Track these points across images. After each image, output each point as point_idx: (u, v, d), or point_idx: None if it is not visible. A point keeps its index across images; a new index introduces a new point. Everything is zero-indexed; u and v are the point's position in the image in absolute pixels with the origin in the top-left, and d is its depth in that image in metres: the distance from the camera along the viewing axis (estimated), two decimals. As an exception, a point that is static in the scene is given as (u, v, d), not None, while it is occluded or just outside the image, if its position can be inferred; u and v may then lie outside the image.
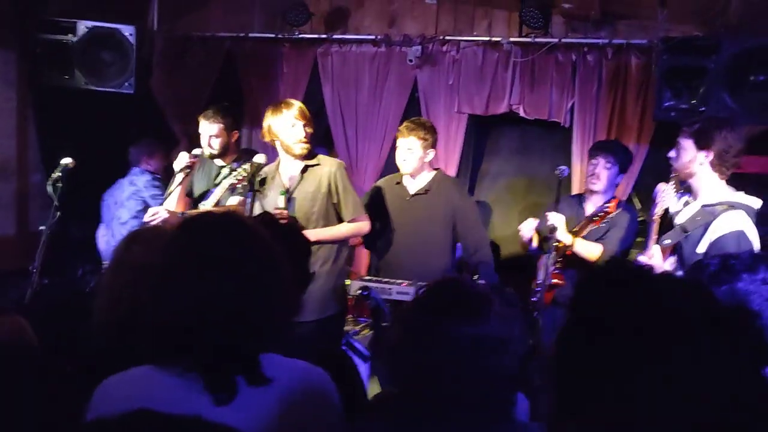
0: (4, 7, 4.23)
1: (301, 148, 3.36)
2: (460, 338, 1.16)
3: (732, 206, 2.71)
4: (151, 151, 4.66)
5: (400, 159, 3.72)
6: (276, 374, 1.24)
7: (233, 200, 3.57)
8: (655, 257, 2.83)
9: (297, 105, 3.41)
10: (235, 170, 3.38)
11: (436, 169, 3.85)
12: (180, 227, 1.32)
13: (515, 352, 1.19)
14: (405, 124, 3.78)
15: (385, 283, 3.47)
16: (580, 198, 3.83)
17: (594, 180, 3.63)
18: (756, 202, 2.75)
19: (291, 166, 3.44)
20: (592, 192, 3.69)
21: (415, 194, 3.74)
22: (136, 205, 4.50)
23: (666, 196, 2.89)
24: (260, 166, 3.30)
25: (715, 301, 0.76)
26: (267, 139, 3.45)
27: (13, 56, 4.43)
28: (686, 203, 2.86)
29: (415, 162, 3.68)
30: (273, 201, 3.37)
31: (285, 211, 3.23)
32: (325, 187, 3.40)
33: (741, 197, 2.76)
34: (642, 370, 0.71)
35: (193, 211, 3.65)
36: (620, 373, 0.72)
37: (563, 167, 3.59)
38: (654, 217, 2.90)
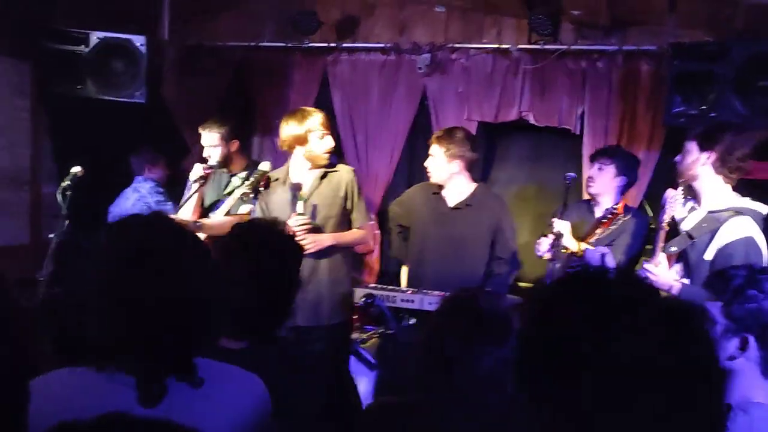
0: (17, 19, 4.30)
1: (327, 157, 3.38)
2: (484, 363, 1.16)
3: (738, 212, 2.68)
4: (154, 160, 4.70)
5: (427, 165, 3.68)
6: (208, 378, 1.23)
7: (244, 209, 3.60)
8: (662, 265, 2.80)
9: (322, 114, 3.41)
10: (248, 180, 3.38)
11: (477, 182, 3.76)
12: (114, 231, 1.32)
13: None
14: (436, 133, 3.76)
15: (390, 290, 3.46)
16: (589, 204, 3.79)
17: (590, 183, 3.63)
18: (763, 208, 2.71)
19: (307, 172, 3.41)
20: (595, 196, 3.66)
21: (455, 207, 3.64)
22: (141, 212, 4.54)
23: (674, 202, 2.85)
24: (265, 174, 3.32)
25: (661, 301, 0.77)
26: (285, 147, 3.41)
27: (27, 67, 4.50)
28: (692, 209, 2.83)
29: (437, 171, 3.60)
30: (282, 203, 3.35)
31: (305, 217, 3.24)
32: (343, 192, 3.41)
33: (747, 203, 2.72)
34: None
35: (206, 220, 3.68)
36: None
37: (570, 173, 3.59)
38: (662, 224, 2.86)
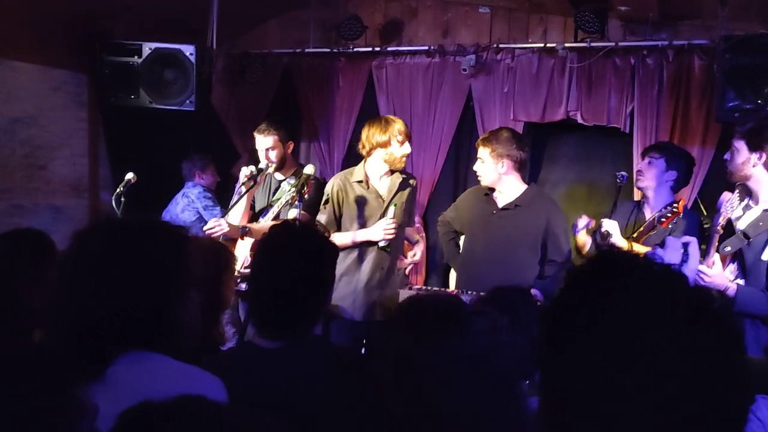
0: (74, 33, 4.48)
1: (404, 162, 3.58)
2: (440, 358, 1.15)
3: None
4: (204, 166, 4.83)
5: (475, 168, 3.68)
6: (162, 378, 1.27)
7: (292, 213, 3.64)
8: (716, 266, 2.71)
9: (401, 122, 3.58)
10: (295, 186, 3.45)
11: (529, 183, 3.73)
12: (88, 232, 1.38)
13: (508, 357, 1.18)
14: (482, 135, 3.74)
15: (435, 291, 3.46)
16: (639, 204, 3.70)
17: (639, 177, 3.53)
18: None
19: (385, 177, 3.58)
20: (644, 191, 3.56)
21: (504, 208, 3.60)
22: (190, 216, 4.66)
23: (730, 205, 2.76)
24: (309, 177, 3.37)
25: (690, 290, 0.75)
26: (365, 151, 3.56)
27: (84, 79, 4.69)
28: (747, 207, 2.74)
29: (486, 173, 3.57)
30: (364, 204, 3.53)
31: (394, 221, 3.44)
32: (406, 198, 3.61)
33: None
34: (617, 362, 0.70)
35: (254, 225, 3.74)
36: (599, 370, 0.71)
37: (622, 173, 3.51)
38: (717, 227, 2.78)
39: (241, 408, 0.79)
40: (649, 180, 3.50)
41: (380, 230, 3.42)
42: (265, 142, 3.83)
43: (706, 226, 3.74)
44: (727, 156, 2.77)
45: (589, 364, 0.71)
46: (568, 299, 0.77)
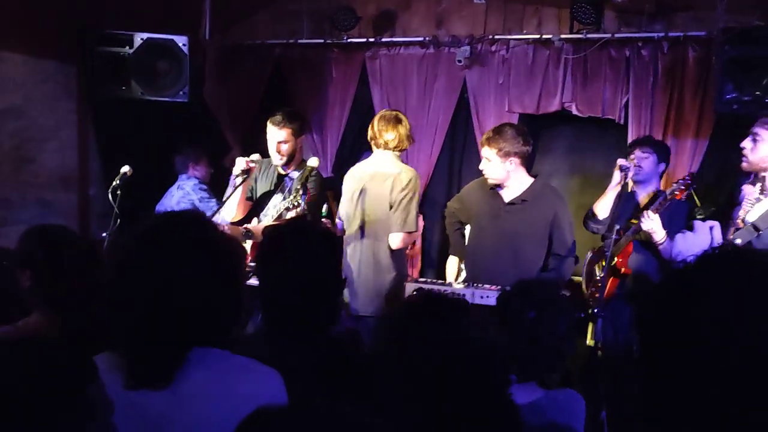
0: (64, 23, 4.38)
1: None
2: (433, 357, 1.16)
3: None
4: (197, 158, 4.74)
5: (482, 167, 3.66)
6: (224, 370, 1.27)
7: (291, 214, 3.58)
8: None
9: None
10: (300, 180, 3.39)
11: (534, 176, 3.72)
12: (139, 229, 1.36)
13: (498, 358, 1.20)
14: (485, 134, 3.72)
15: (440, 284, 3.45)
16: (632, 194, 3.80)
17: (636, 170, 3.62)
18: None
19: None
20: (640, 183, 3.71)
21: (511, 203, 3.59)
22: (186, 208, 4.59)
23: (752, 199, 2.80)
24: (313, 169, 3.33)
25: None
26: (400, 147, 3.65)
27: (74, 69, 4.58)
28: (756, 199, 2.76)
29: (494, 172, 3.56)
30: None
31: None
32: None
33: None
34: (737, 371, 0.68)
35: (255, 227, 3.65)
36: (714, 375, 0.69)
37: (627, 165, 3.58)
38: (737, 221, 2.81)
39: (349, 408, 0.78)
40: (646, 174, 3.69)
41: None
42: (278, 135, 3.69)
43: (699, 216, 3.79)
44: (746, 144, 2.77)
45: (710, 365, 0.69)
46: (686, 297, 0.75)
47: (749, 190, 2.77)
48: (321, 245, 1.79)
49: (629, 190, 3.97)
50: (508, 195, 3.61)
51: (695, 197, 4.45)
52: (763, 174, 2.73)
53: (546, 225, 3.52)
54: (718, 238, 2.37)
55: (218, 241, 1.34)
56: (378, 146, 3.59)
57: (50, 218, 4.52)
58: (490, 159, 3.53)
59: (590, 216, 3.81)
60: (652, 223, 3.34)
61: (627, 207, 3.77)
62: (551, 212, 3.52)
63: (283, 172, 3.81)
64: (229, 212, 3.74)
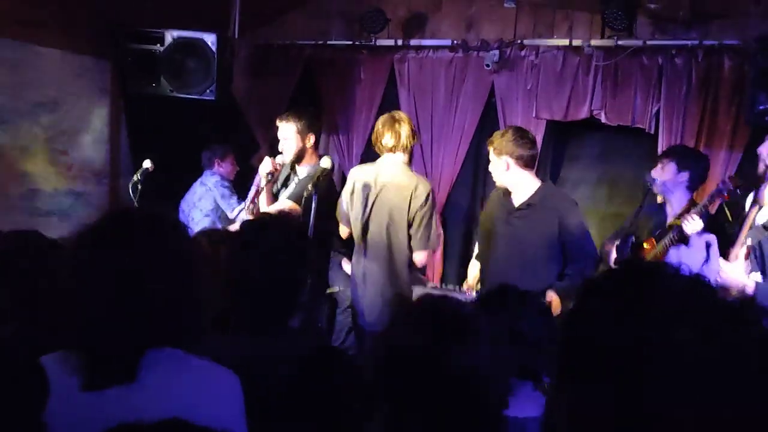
0: (99, 21, 4.50)
1: None
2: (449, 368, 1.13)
3: None
4: (224, 155, 4.81)
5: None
6: (181, 371, 1.25)
7: (286, 203, 3.57)
8: (739, 260, 2.67)
9: None
10: (312, 179, 3.37)
11: (543, 180, 3.65)
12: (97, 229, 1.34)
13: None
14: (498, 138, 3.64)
15: (447, 290, 3.42)
16: (661, 206, 3.67)
17: (653, 183, 3.53)
18: None
19: None
20: (663, 195, 3.59)
21: (518, 208, 3.54)
22: (208, 204, 4.66)
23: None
24: (326, 170, 3.32)
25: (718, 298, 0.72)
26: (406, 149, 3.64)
27: (107, 66, 4.71)
28: (754, 203, 2.73)
29: (494, 173, 3.54)
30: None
31: None
32: None
33: None
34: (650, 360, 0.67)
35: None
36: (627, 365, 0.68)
37: (653, 176, 3.47)
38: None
39: None
40: (663, 185, 3.53)
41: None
42: (282, 131, 3.69)
43: (730, 232, 3.66)
44: (762, 150, 2.71)
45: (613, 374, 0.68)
46: (588, 308, 0.74)
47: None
48: (282, 242, 1.76)
49: (658, 202, 3.87)
50: (517, 200, 3.56)
51: (727, 211, 4.32)
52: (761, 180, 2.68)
53: (552, 230, 3.42)
54: (714, 255, 2.29)
55: (178, 242, 1.33)
56: (380, 151, 3.57)
57: (80, 210, 4.66)
58: (490, 159, 3.54)
59: None
60: (695, 225, 3.20)
61: (653, 219, 3.66)
62: (555, 217, 3.43)
63: (297, 169, 3.76)
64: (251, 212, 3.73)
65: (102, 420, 1.20)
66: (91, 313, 1.24)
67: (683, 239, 3.23)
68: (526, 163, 3.48)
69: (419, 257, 3.53)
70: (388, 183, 3.51)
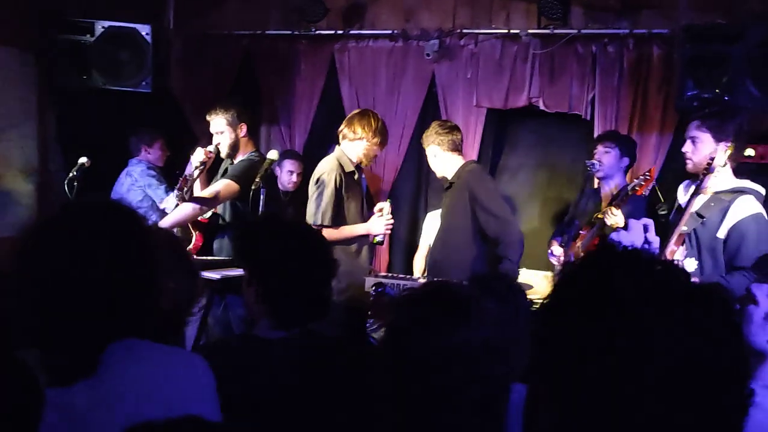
0: (22, 9, 4.28)
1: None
2: (444, 346, 1.12)
3: (742, 191, 2.79)
4: (152, 140, 4.62)
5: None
6: (147, 359, 1.25)
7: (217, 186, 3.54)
8: (680, 250, 2.80)
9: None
10: (260, 174, 3.32)
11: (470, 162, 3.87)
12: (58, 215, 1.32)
13: (508, 354, 1.16)
14: (425, 133, 3.82)
15: (399, 279, 3.45)
16: (596, 191, 3.84)
17: (597, 165, 3.68)
18: (761, 189, 2.84)
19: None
20: (603, 180, 3.77)
21: (446, 188, 3.77)
22: (137, 196, 4.49)
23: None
24: (273, 163, 3.29)
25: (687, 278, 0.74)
26: (351, 138, 3.68)
27: (32, 58, 4.48)
28: (696, 193, 2.88)
29: (433, 166, 3.73)
30: (359, 197, 3.66)
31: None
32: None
33: (748, 183, 2.84)
34: (619, 344, 0.69)
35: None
36: (598, 349, 0.69)
37: (592, 161, 3.63)
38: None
39: (233, 428, 0.76)
40: (609, 168, 3.71)
41: (381, 225, 3.56)
42: (213, 126, 3.67)
43: (662, 212, 3.84)
44: (687, 149, 2.88)
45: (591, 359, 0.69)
46: (566, 295, 0.75)
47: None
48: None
49: (594, 186, 4.01)
50: (447, 182, 3.78)
51: (658, 192, 4.51)
52: (705, 172, 2.85)
53: (467, 200, 3.59)
54: (652, 237, 2.40)
55: (132, 231, 1.30)
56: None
57: (9, 209, 4.44)
58: (436, 155, 3.74)
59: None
60: (616, 218, 3.37)
61: (591, 203, 3.82)
62: (469, 188, 3.60)
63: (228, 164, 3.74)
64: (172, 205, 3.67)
65: (70, 415, 1.16)
66: (47, 308, 1.21)
67: (609, 230, 3.41)
68: (450, 147, 3.68)
69: None
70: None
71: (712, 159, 2.74)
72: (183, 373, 1.29)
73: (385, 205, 3.63)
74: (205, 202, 3.44)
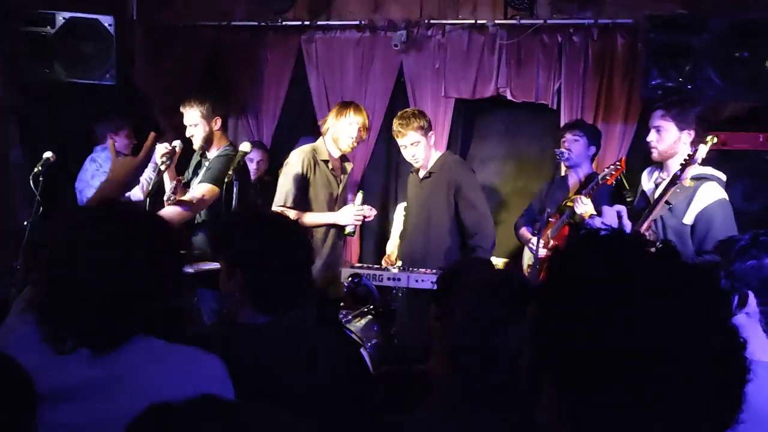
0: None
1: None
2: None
3: (706, 178, 2.86)
4: (117, 128, 4.51)
5: (409, 157, 3.73)
6: (163, 360, 1.29)
7: (201, 187, 3.49)
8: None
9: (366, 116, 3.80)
10: (232, 166, 3.29)
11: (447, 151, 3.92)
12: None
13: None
14: (397, 122, 3.72)
15: (376, 269, 3.47)
16: (563, 178, 3.90)
17: (567, 154, 3.72)
18: (722, 175, 2.92)
19: (335, 160, 3.72)
20: (572, 168, 3.84)
21: (424, 178, 3.75)
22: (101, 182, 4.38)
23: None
24: (245, 155, 3.27)
25: (681, 260, 0.77)
26: (328, 128, 3.72)
27: (-8, 50, 4.35)
28: (659, 179, 2.96)
29: (423, 155, 3.69)
30: (334, 190, 3.66)
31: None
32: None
33: (711, 170, 2.90)
34: (612, 323, 0.71)
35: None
36: (591, 332, 0.72)
37: (561, 150, 3.67)
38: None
39: (254, 405, 0.77)
40: (576, 157, 3.79)
41: (351, 215, 3.54)
42: (187, 117, 3.59)
43: (629, 199, 3.92)
44: (652, 138, 2.95)
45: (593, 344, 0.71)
46: (559, 281, 0.77)
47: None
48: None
49: (562, 174, 4.08)
50: (423, 171, 3.78)
51: (624, 181, 4.60)
52: (669, 160, 2.93)
53: (451, 190, 3.62)
54: (626, 223, 2.47)
55: (157, 227, 1.37)
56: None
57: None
58: (420, 141, 3.68)
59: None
60: (586, 207, 3.42)
61: (560, 191, 3.88)
62: (453, 178, 3.63)
63: (209, 155, 3.65)
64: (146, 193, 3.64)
65: (74, 388, 1.19)
66: (75, 296, 1.25)
67: (578, 218, 3.47)
68: (425, 132, 3.67)
69: None
70: None
71: (695, 152, 2.79)
72: (198, 372, 1.32)
73: (357, 197, 3.63)
74: (190, 207, 3.37)
